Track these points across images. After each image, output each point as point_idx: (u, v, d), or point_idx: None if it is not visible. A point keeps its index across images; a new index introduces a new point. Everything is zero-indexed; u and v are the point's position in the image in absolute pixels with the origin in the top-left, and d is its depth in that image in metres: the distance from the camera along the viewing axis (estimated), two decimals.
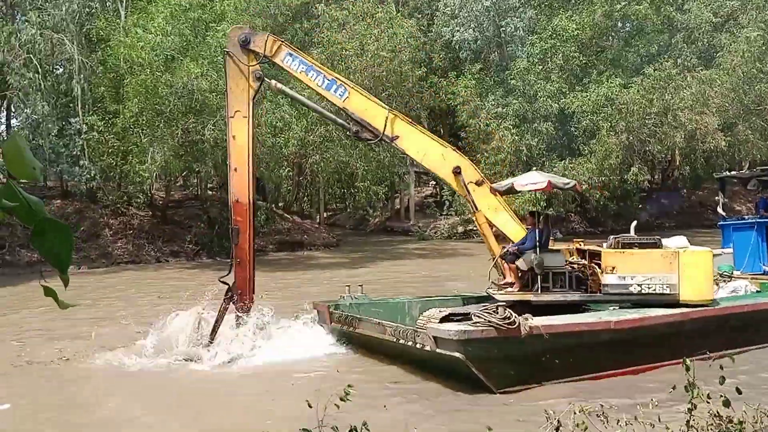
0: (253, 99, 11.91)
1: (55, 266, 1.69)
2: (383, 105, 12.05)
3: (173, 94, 27.11)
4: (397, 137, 11.35)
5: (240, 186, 11.84)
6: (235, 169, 11.79)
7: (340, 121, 12.80)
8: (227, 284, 11.65)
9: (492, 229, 11.56)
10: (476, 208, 11.29)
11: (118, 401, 8.84)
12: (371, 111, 11.49)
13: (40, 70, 27.64)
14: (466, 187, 11.16)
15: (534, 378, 9.03)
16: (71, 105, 30.09)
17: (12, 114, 32.02)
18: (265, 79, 12.02)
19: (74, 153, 29.33)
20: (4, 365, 10.80)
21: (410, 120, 12.43)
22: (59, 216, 30.38)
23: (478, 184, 11.28)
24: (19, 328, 14.28)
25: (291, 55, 11.77)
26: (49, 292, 1.74)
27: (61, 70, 31.50)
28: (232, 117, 11.79)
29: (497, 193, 11.55)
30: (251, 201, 11.93)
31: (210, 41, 28.27)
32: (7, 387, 9.59)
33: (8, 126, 32.30)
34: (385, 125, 11.29)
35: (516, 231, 11.43)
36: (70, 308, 1.83)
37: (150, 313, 14.79)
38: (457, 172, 11.22)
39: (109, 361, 10.94)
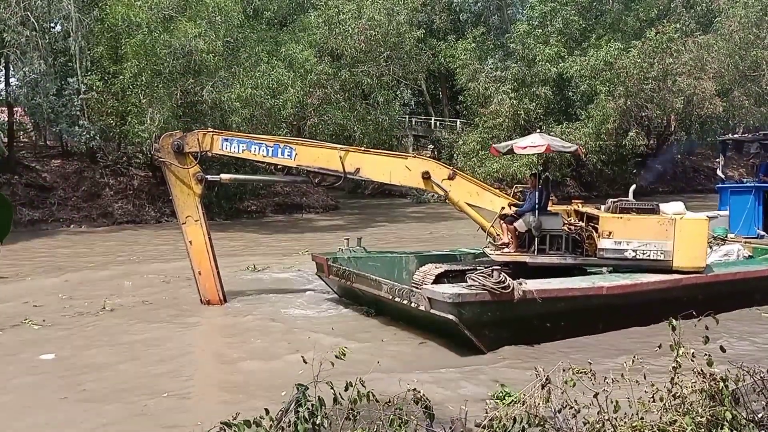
0: (201, 200, 11.91)
1: None
2: (333, 146, 12.01)
3: (171, 55, 26.97)
4: (358, 169, 11.37)
5: (208, 286, 11.93)
6: (199, 273, 11.86)
7: (300, 179, 12.68)
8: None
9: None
10: (451, 198, 11.28)
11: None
12: (324, 157, 11.39)
13: (37, 27, 27.42)
14: (440, 186, 11.16)
15: (526, 341, 9.22)
16: (69, 64, 29.94)
17: (11, 73, 31.79)
18: (209, 177, 11.95)
19: (73, 113, 29.22)
20: (54, 317, 11.18)
21: (363, 149, 12.55)
22: (59, 176, 30.47)
23: (451, 178, 11.21)
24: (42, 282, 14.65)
25: (227, 140, 11.68)
26: None
27: (58, 28, 31.24)
28: (184, 223, 11.86)
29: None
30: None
31: (207, 1, 28.04)
32: (54, 337, 9.98)
33: (7, 84, 32.11)
34: (342, 163, 11.27)
35: (507, 203, 11.50)
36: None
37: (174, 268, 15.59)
38: (426, 176, 11.15)
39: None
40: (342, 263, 11.69)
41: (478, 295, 8.77)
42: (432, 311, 8.91)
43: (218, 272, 11.99)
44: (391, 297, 9.80)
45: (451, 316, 8.72)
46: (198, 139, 11.58)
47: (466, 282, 9.02)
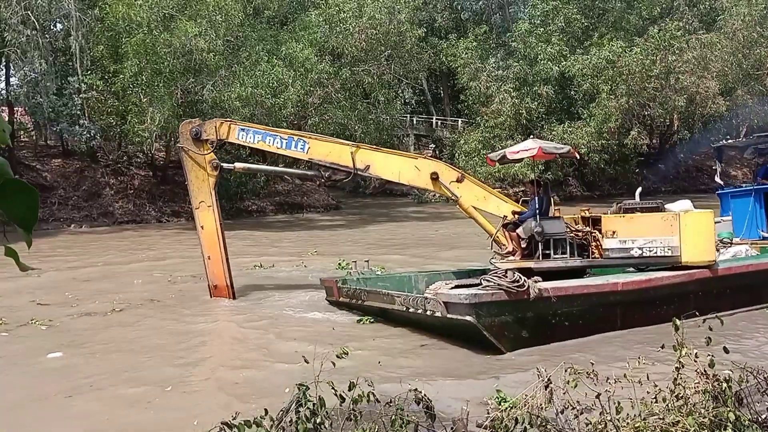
0: (215, 187, 12.14)
1: (20, 227, 1.64)
2: (344, 142, 12.20)
3: (172, 54, 27.00)
4: (368, 166, 11.49)
5: (217, 271, 12.02)
6: (209, 257, 11.97)
7: (310, 173, 12.89)
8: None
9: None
10: (462, 204, 11.29)
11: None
12: (335, 152, 11.54)
13: (37, 26, 27.44)
14: (449, 189, 11.17)
15: (544, 340, 9.14)
16: (70, 63, 29.98)
17: (11, 72, 31.85)
18: (224, 165, 12.14)
19: (74, 112, 29.27)
20: (60, 316, 11.18)
21: (374, 147, 12.68)
22: (60, 175, 30.47)
23: (459, 180, 11.21)
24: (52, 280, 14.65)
25: (243, 130, 11.92)
26: (10, 252, 1.69)
27: (59, 27, 31.27)
28: (198, 208, 12.05)
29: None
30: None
31: (208, 0, 28.04)
32: (61, 337, 9.96)
33: (7, 83, 32.14)
34: (353, 160, 11.41)
35: (510, 210, 11.50)
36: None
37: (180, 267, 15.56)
38: (435, 177, 11.21)
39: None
40: (351, 284, 11.67)
41: (494, 295, 8.74)
42: (449, 315, 8.85)
43: (227, 259, 12.13)
44: (405, 308, 9.76)
45: (469, 318, 8.65)
46: (215, 127, 11.90)
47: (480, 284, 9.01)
